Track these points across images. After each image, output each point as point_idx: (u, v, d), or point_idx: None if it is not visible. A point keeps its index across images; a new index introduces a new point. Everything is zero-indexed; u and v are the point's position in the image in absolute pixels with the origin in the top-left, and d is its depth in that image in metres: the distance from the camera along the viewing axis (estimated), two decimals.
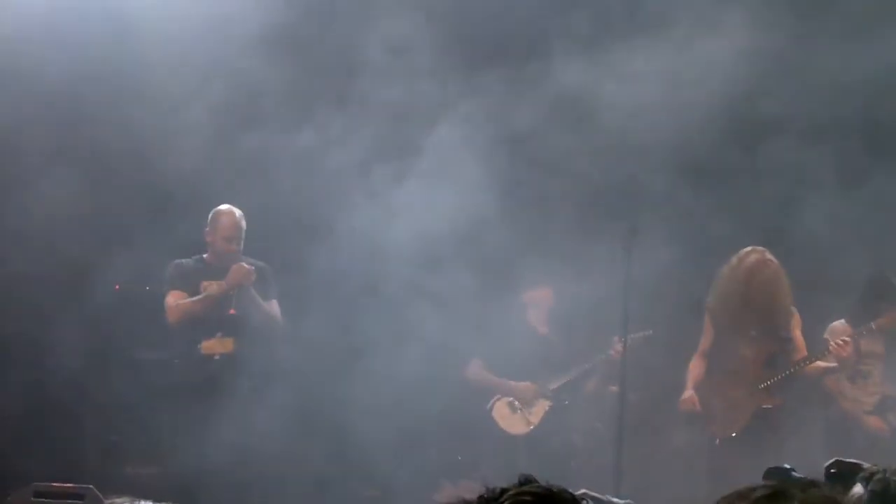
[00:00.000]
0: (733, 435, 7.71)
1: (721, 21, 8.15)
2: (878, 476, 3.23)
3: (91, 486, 7.23)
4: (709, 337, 7.99)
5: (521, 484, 2.79)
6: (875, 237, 8.36)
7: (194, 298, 7.86)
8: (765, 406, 7.76)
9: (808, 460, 3.76)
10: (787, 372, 7.77)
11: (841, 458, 3.46)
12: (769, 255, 7.78)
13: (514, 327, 8.73)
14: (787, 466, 3.70)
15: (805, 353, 7.86)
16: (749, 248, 7.83)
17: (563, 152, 8.48)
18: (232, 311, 7.83)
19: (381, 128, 8.48)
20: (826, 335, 8.06)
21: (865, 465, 3.34)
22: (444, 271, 8.44)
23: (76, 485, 7.25)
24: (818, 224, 8.25)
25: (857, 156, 8.30)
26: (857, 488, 3.29)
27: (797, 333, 7.88)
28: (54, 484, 7.14)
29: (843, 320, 8.13)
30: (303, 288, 8.34)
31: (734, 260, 7.83)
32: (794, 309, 7.86)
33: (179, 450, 7.68)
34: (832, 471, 3.48)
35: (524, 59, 8.56)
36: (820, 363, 7.82)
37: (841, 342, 7.75)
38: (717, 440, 7.78)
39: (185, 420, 7.71)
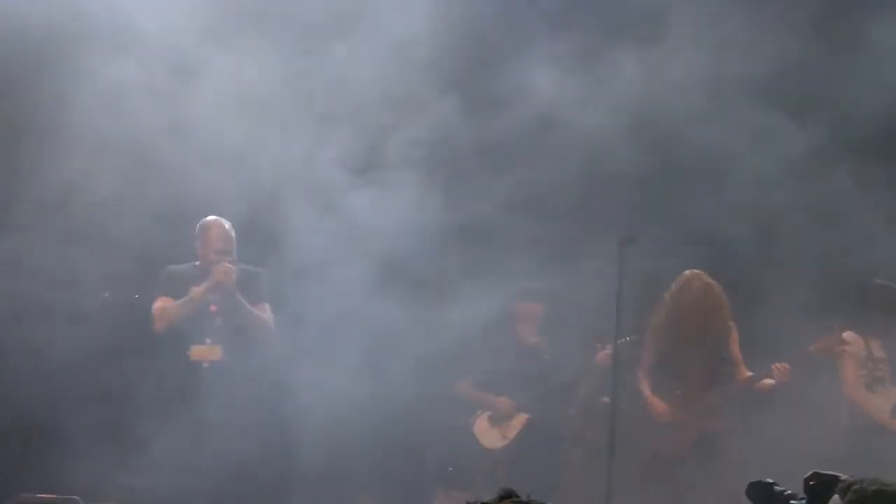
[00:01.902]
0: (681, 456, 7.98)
1: (711, 25, 8.16)
2: (856, 487, 3.22)
3: (76, 496, 7.23)
4: (649, 355, 8.23)
5: (501, 497, 2.76)
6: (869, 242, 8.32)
7: (178, 302, 7.85)
8: (709, 429, 8.01)
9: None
10: (731, 391, 8.05)
11: (819, 471, 3.44)
12: (709, 279, 8.04)
13: (503, 340, 8.71)
14: (770, 481, 3.68)
15: (742, 367, 8.08)
16: (689, 274, 8.09)
17: (553, 159, 8.46)
18: (213, 308, 7.80)
19: (365, 132, 8.44)
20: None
21: (843, 476, 3.32)
22: (433, 281, 8.43)
23: (62, 496, 7.25)
24: (812, 230, 8.31)
25: (851, 159, 8.28)
26: (835, 500, 3.27)
27: (735, 349, 8.12)
28: (39, 495, 7.14)
29: (851, 332, 8.17)
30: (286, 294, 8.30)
31: (675, 287, 8.12)
32: (732, 324, 8.11)
33: (168, 460, 7.63)
34: (811, 483, 3.46)
35: (507, 65, 8.51)
36: (767, 381, 8.01)
37: (783, 367, 7.91)
38: (666, 461, 8.00)
39: (174, 429, 7.65)
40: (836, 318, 8.19)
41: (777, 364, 7.91)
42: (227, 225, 7.94)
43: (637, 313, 8.12)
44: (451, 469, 8.82)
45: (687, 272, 8.11)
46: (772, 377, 7.93)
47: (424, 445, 8.88)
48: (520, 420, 8.69)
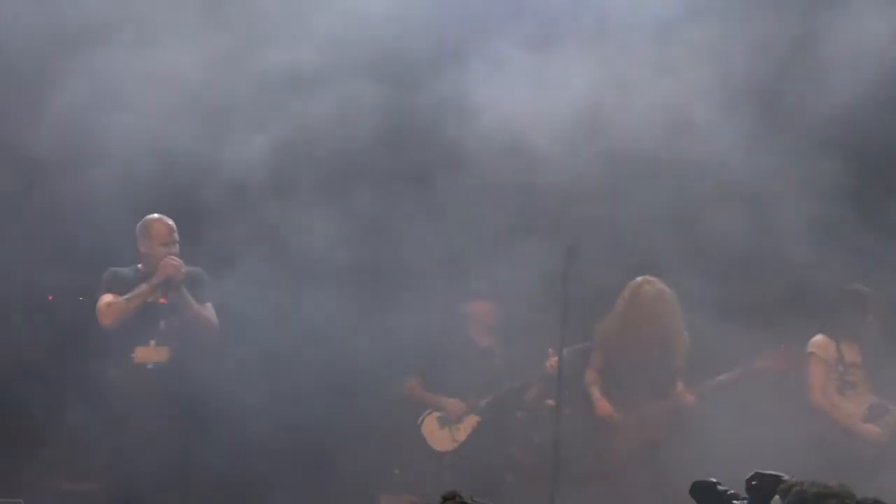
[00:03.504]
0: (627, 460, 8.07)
1: (653, 29, 8.21)
2: (797, 489, 3.26)
3: (21, 500, 7.18)
4: (599, 358, 8.30)
5: (444, 499, 2.78)
6: (846, 249, 8.40)
7: (126, 297, 7.75)
8: (655, 437, 8.10)
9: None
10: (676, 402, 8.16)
11: (761, 471, 3.49)
12: (661, 285, 8.11)
13: (454, 340, 8.72)
14: (714, 480, 3.74)
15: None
16: (640, 280, 8.14)
17: (507, 160, 8.48)
18: (163, 301, 7.77)
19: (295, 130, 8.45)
20: (809, 349, 8.22)
21: (785, 477, 3.37)
22: (381, 282, 8.43)
23: (5, 499, 7.20)
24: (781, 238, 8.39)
25: (822, 165, 8.37)
26: (776, 501, 3.32)
27: (682, 362, 8.21)
28: None
29: (821, 335, 8.26)
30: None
31: (627, 293, 8.17)
32: (686, 335, 8.17)
33: (113, 464, 7.59)
34: (753, 483, 3.51)
35: (445, 69, 8.52)
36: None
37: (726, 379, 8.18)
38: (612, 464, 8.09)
39: (119, 433, 7.62)
40: (786, 327, 8.28)
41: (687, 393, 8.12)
42: (170, 221, 7.90)
43: (587, 318, 8.16)
44: (396, 472, 8.83)
45: (639, 278, 8.13)
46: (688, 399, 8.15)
47: (369, 447, 8.87)
48: (470, 422, 8.70)
